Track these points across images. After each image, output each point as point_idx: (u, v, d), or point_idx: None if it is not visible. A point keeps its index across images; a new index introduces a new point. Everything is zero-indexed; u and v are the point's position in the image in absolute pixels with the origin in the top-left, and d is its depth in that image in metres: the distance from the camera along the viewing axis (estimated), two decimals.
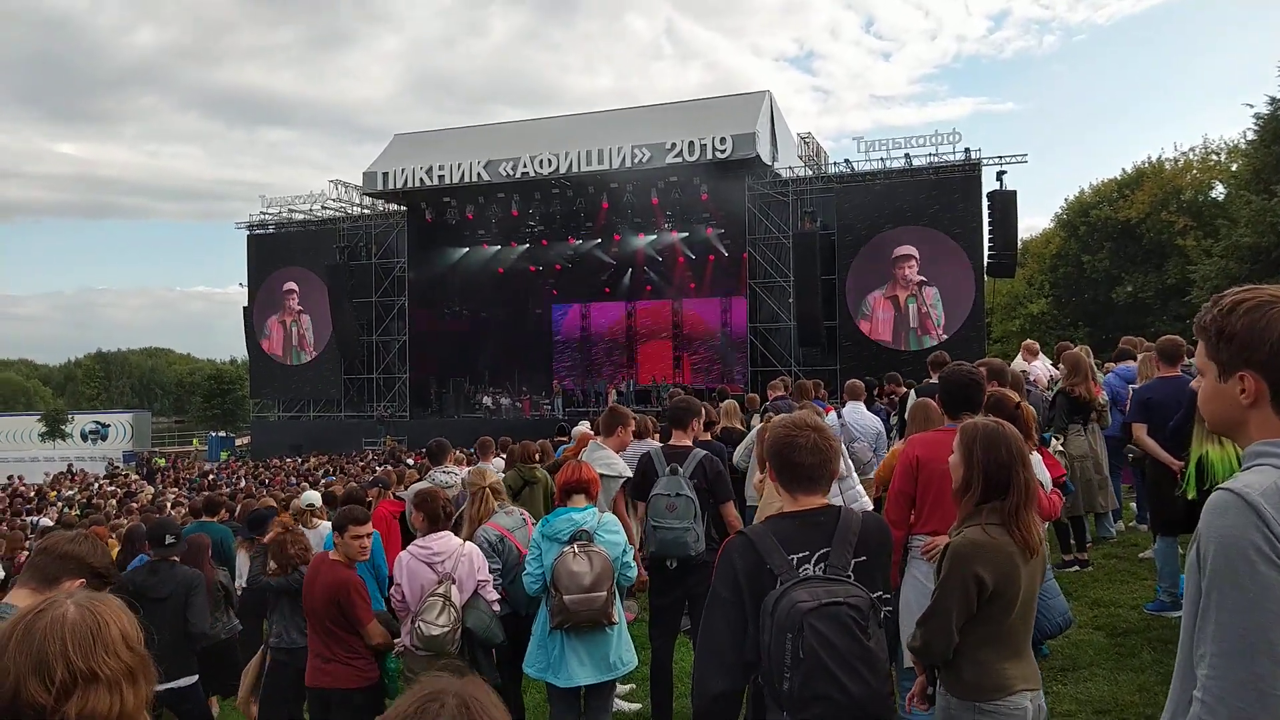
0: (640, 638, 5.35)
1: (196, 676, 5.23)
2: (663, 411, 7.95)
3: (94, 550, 2.62)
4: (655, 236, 30.80)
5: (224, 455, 36.61)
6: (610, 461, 5.47)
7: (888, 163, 26.08)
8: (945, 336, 24.59)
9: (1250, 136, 28.01)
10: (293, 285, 33.29)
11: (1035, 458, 4.27)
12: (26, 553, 8.95)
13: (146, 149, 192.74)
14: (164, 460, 36.44)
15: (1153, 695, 4.61)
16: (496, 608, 4.60)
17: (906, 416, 5.70)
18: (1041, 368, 9.17)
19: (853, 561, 2.36)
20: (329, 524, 7.12)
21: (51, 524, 13.19)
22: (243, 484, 21.86)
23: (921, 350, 23.66)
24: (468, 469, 8.06)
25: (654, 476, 4.86)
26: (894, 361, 23.02)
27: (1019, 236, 28.56)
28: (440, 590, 4.40)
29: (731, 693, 2.38)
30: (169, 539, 5.38)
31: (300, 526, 6.17)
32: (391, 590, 4.63)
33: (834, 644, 2.17)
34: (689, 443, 5.16)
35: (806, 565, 2.35)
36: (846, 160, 27.27)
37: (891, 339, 25.90)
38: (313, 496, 7.78)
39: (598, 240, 31.69)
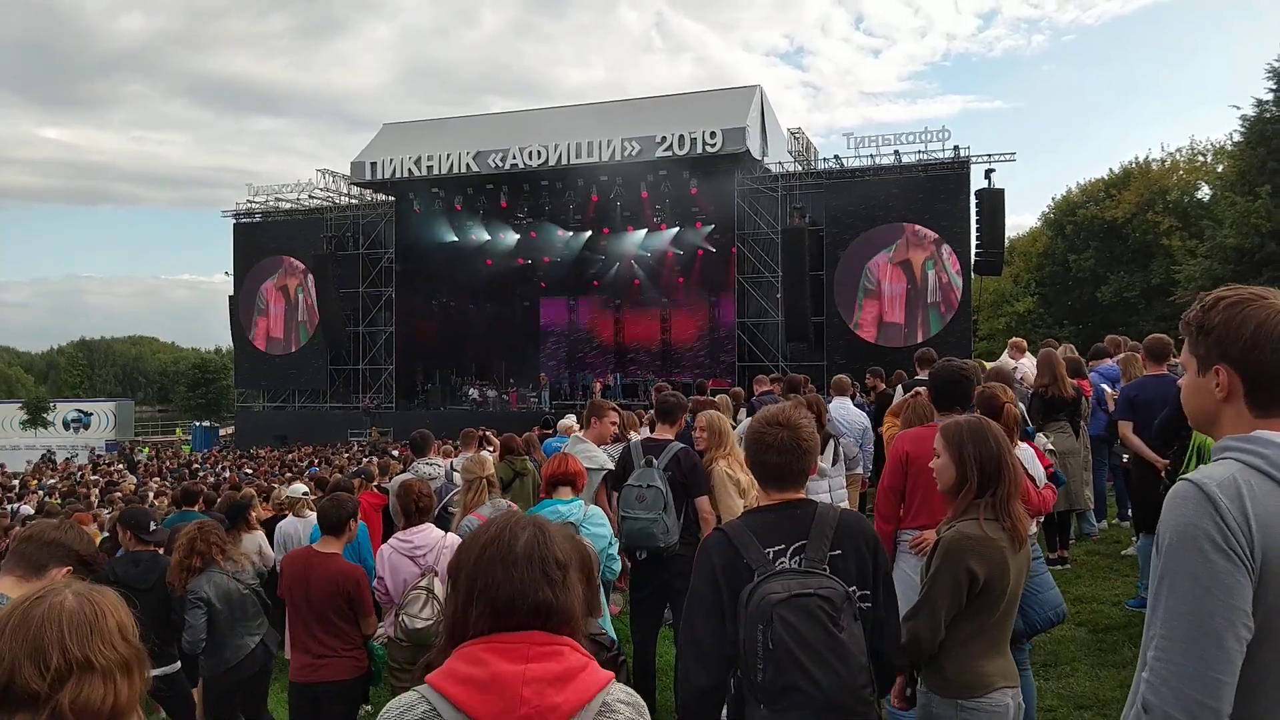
0: (624, 630, 5.35)
1: (179, 665, 5.19)
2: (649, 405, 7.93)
3: (80, 538, 2.63)
4: (644, 230, 30.75)
5: (186, 449, 36.29)
6: (591, 454, 5.46)
7: (877, 159, 26.11)
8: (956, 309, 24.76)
9: (1236, 138, 28.22)
10: (297, 264, 33.08)
11: (1028, 451, 4.28)
12: (8, 541, 8.85)
13: (134, 135, 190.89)
14: (147, 449, 36.15)
15: None
16: None
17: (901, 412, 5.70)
18: (1029, 365, 9.20)
19: (829, 554, 2.35)
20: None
21: (32, 512, 13.08)
22: (227, 474, 21.72)
23: (914, 346, 23.74)
24: (451, 461, 8.05)
25: (630, 468, 4.88)
26: (882, 358, 23.13)
27: (1006, 235, 28.66)
28: (423, 583, 4.39)
29: (714, 688, 2.38)
30: (153, 525, 5.33)
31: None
32: (375, 583, 4.60)
33: (803, 635, 2.17)
34: (670, 437, 5.16)
35: (783, 558, 2.35)
36: (836, 156, 27.33)
37: (904, 319, 25.52)
38: (300, 488, 7.74)
39: (586, 233, 31.62)
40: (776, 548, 2.37)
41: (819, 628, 2.18)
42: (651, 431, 5.91)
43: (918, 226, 25.37)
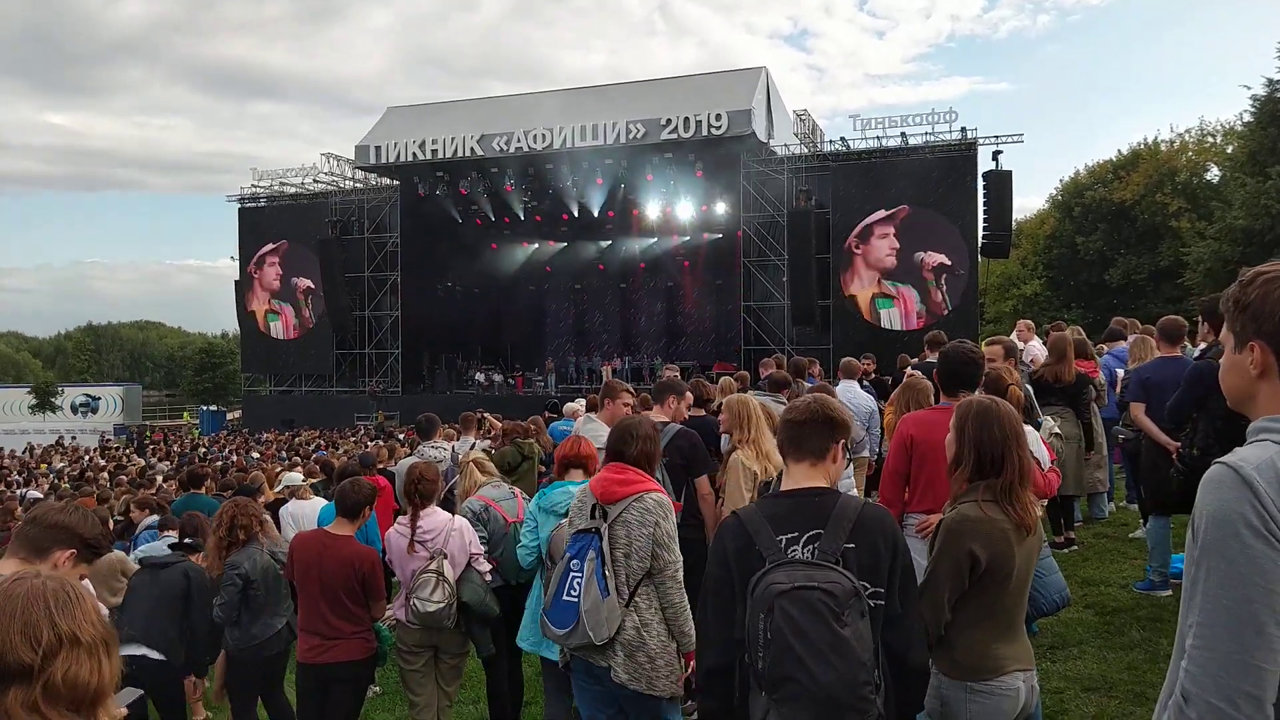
0: None
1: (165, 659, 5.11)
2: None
3: (84, 521, 2.57)
4: (649, 213, 30.64)
5: (195, 433, 36.40)
6: (601, 435, 5.46)
7: (883, 141, 25.95)
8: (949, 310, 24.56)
9: (1247, 119, 27.97)
10: (279, 262, 33.10)
11: (1034, 435, 4.26)
12: (15, 524, 8.90)
13: (136, 121, 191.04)
14: (150, 434, 36.24)
15: (1141, 673, 4.64)
16: (489, 578, 4.61)
17: (896, 393, 5.69)
18: (1038, 348, 9.16)
19: (843, 547, 2.32)
20: (321, 500, 7.12)
21: (40, 496, 13.15)
22: (234, 458, 21.81)
23: (918, 329, 23.65)
24: (454, 444, 8.07)
25: None
26: (887, 340, 23.07)
27: (1014, 217, 28.49)
28: (433, 566, 4.40)
29: (721, 669, 2.37)
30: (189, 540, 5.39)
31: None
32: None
33: (802, 628, 2.14)
34: (666, 419, 5.16)
35: (795, 547, 2.33)
36: (842, 138, 27.12)
37: (907, 305, 25.33)
38: (293, 477, 7.74)
39: (592, 216, 31.55)
40: (790, 535, 2.35)
41: (819, 622, 2.15)
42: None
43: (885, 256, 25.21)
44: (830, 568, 2.25)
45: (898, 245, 25.09)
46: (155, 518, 7.33)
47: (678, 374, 6.52)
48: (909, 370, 7.14)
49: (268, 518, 5.32)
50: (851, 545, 2.32)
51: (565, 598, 3.32)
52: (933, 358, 7.53)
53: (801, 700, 2.14)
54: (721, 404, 7.71)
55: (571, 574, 3.33)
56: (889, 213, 25.02)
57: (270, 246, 33.24)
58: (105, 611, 1.49)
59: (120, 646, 1.49)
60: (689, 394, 5.73)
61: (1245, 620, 1.36)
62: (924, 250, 24.89)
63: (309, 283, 32.66)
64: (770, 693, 2.19)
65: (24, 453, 27.60)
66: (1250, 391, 1.56)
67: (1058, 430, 5.96)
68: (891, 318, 25.32)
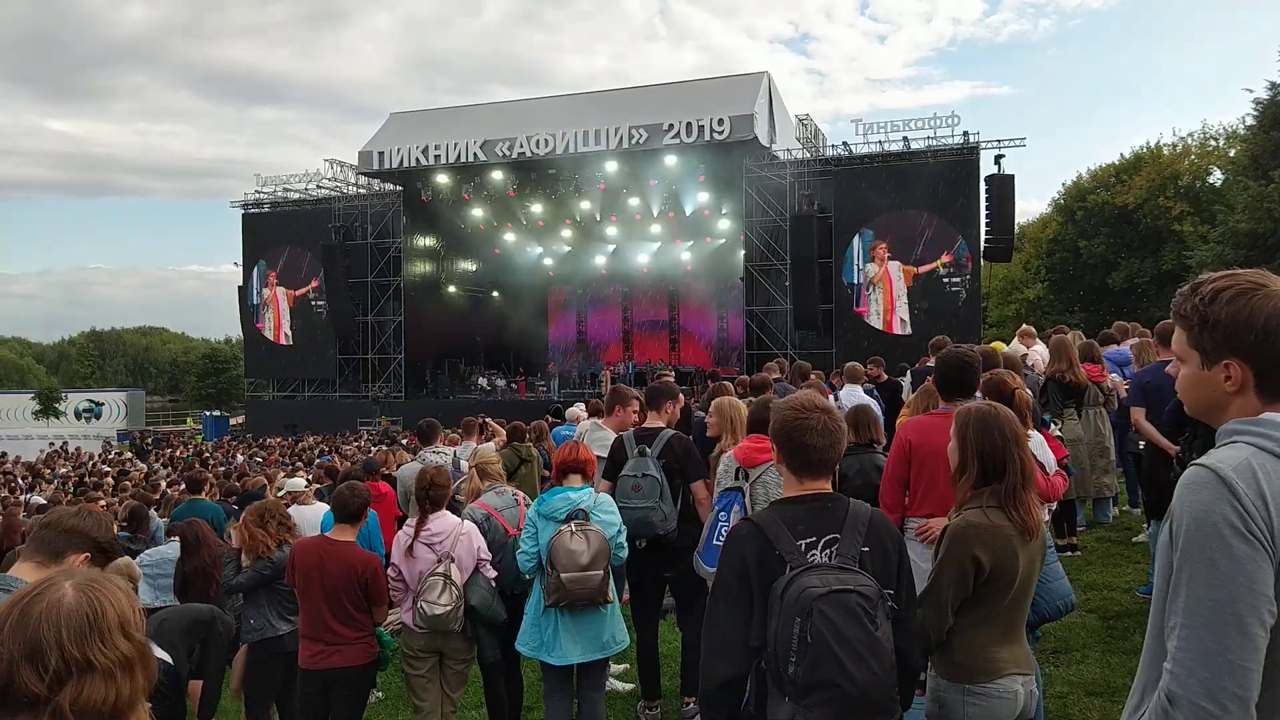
0: (630, 618, 5.37)
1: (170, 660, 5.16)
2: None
3: (98, 525, 2.61)
4: (652, 218, 30.67)
5: (199, 438, 36.38)
6: (607, 442, 5.47)
7: (885, 146, 25.96)
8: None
9: (1249, 122, 27.93)
10: (306, 254, 33.24)
11: (1038, 439, 4.26)
12: (20, 530, 8.91)
13: (138, 127, 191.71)
14: (151, 440, 36.18)
15: None
16: (493, 584, 4.62)
17: (906, 399, 5.71)
18: (1040, 352, 9.15)
19: (860, 551, 2.34)
20: (324, 505, 7.13)
21: (44, 501, 13.17)
22: (239, 458, 21.85)
23: (920, 334, 23.63)
24: (456, 450, 8.08)
25: (624, 459, 4.88)
26: (891, 345, 23.07)
27: (1016, 221, 28.49)
28: (440, 569, 4.41)
29: (737, 679, 2.36)
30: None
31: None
32: (388, 570, 4.63)
33: (842, 631, 2.15)
34: (662, 424, 5.17)
35: (814, 551, 2.33)
36: (844, 143, 27.15)
37: (909, 309, 25.85)
38: (295, 483, 7.75)
39: (594, 221, 31.58)
40: (807, 540, 2.34)
41: (858, 625, 2.16)
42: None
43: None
44: (856, 571, 2.26)
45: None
46: None
47: (671, 379, 6.55)
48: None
49: (291, 515, 5.36)
50: (867, 549, 2.34)
51: (715, 542, 3.78)
52: (932, 362, 7.54)
53: (837, 703, 2.14)
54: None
55: (720, 523, 3.87)
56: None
57: (274, 284, 33.50)
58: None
59: None
60: (681, 398, 5.77)
61: (1229, 620, 1.36)
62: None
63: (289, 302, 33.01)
64: (801, 698, 2.17)
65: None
66: (1223, 405, 1.56)
67: (1059, 434, 5.95)
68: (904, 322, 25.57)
